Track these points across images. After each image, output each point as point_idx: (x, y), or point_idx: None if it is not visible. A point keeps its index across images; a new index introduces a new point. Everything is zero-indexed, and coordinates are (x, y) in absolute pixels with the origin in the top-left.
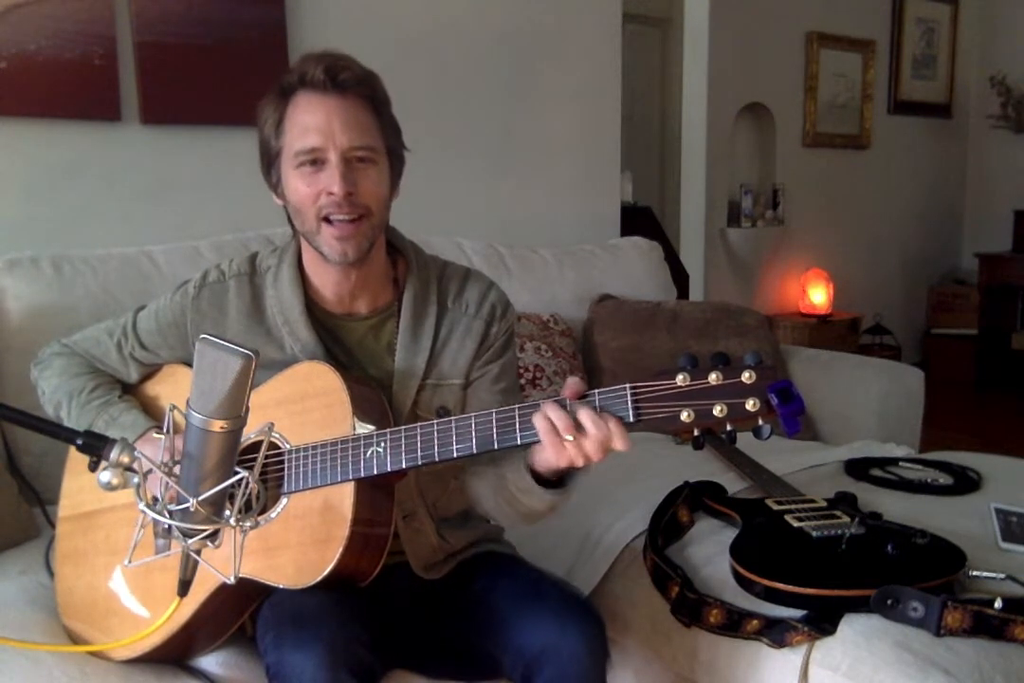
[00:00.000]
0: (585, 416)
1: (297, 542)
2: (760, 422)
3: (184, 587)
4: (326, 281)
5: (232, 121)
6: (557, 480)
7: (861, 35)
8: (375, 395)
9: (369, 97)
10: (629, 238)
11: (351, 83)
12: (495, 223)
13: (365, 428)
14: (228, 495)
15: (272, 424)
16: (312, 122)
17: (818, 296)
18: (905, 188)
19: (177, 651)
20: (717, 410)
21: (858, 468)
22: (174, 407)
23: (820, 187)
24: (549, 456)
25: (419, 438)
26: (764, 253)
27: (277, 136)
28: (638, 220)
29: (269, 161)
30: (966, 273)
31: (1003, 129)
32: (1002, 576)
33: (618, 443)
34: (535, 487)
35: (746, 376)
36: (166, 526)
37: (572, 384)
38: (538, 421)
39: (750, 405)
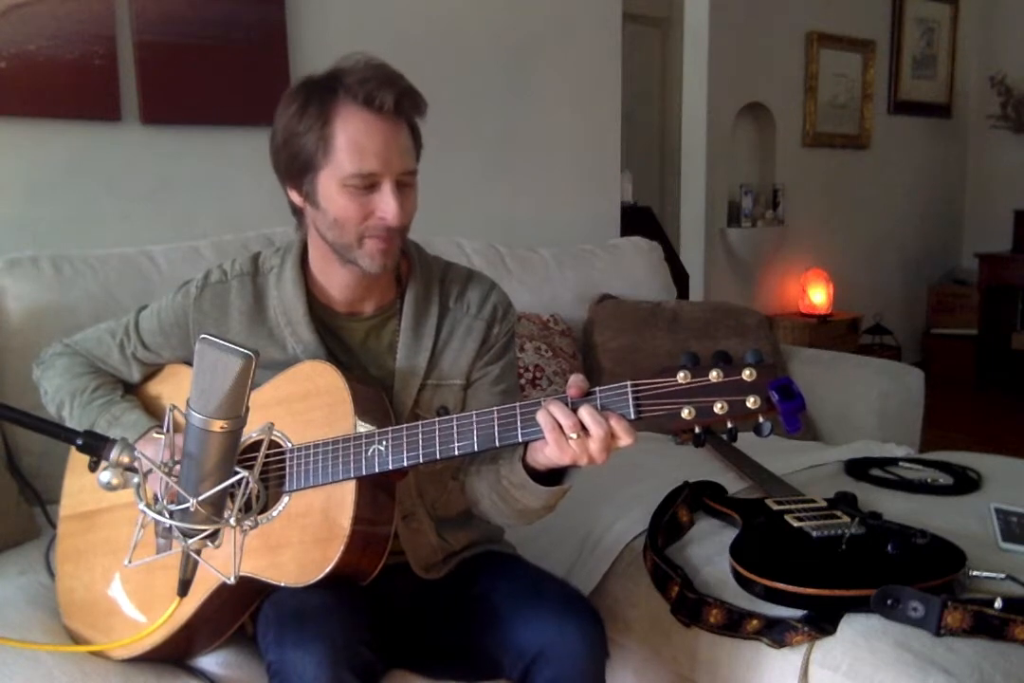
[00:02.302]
0: (585, 414)
1: (299, 540)
2: (761, 419)
3: (184, 587)
4: (336, 283)
5: (232, 121)
6: (551, 477)
7: (861, 35)
8: (376, 395)
9: (413, 121)
10: (629, 238)
11: (409, 110)
12: (495, 223)
13: (366, 427)
14: (228, 495)
15: (272, 424)
16: (371, 147)
17: (818, 296)
18: (905, 188)
19: (177, 651)
20: (718, 407)
21: (858, 468)
22: (174, 407)
23: (820, 187)
24: (552, 453)
25: (420, 436)
26: (764, 253)
27: (324, 150)
28: (638, 220)
29: (303, 168)
30: (966, 273)
31: (1003, 129)
32: (1002, 576)
33: (622, 439)
34: (529, 482)
35: (747, 374)
36: (166, 526)
37: (575, 382)
38: (542, 418)
39: (751, 402)
